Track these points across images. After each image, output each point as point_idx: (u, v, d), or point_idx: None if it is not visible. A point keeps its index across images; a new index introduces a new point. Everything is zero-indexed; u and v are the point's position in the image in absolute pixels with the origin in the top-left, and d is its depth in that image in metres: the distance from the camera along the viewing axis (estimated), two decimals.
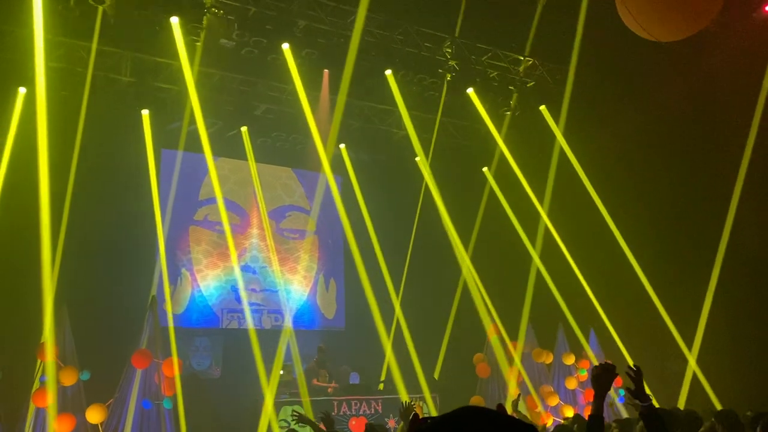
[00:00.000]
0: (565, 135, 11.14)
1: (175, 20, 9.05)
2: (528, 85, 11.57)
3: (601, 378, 3.20)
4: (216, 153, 11.75)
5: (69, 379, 8.12)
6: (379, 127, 12.34)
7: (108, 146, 10.29)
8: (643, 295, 10.23)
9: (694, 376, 9.62)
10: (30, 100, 8.70)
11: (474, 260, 11.87)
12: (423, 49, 10.66)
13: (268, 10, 9.50)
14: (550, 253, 11.13)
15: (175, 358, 8.79)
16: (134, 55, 10.05)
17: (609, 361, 3.36)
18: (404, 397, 9.54)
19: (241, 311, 11.68)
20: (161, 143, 11.10)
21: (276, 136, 12.07)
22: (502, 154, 11.66)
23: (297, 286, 12.53)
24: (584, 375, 10.92)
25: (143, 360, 8.42)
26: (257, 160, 11.98)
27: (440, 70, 10.84)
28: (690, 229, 10.13)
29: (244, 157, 11.82)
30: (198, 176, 11.68)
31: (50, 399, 7.70)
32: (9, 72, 9.17)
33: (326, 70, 10.62)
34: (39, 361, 8.08)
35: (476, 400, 10.39)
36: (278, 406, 9.61)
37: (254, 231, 12.23)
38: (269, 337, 11.00)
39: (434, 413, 10.01)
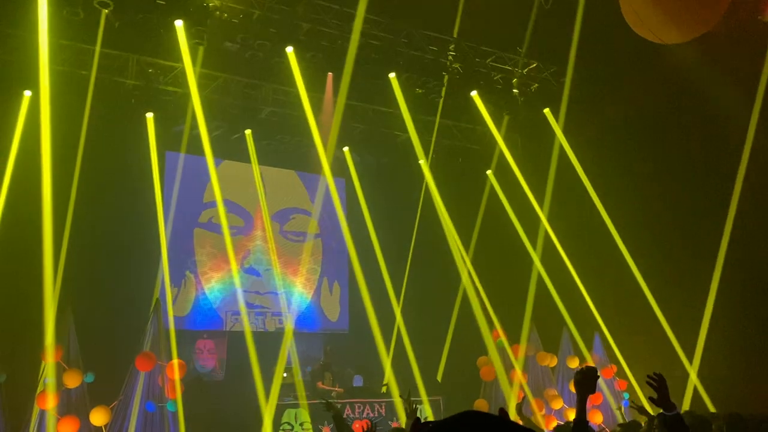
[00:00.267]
0: (567, 138, 11.13)
1: (179, 23, 9.08)
2: (532, 88, 11.57)
3: (583, 383, 3.17)
4: (220, 156, 11.80)
5: (73, 381, 8.14)
6: (383, 130, 12.35)
7: (112, 149, 10.32)
8: (646, 298, 10.20)
9: (700, 379, 9.57)
10: (35, 103, 8.73)
11: (476, 263, 11.87)
12: (427, 52, 10.67)
13: (272, 13, 9.52)
14: (552, 256, 11.11)
15: (175, 361, 8.79)
16: (139, 58, 10.08)
17: (589, 365, 3.35)
18: (396, 399, 9.54)
19: (246, 314, 11.70)
20: (165, 146, 11.14)
21: (280, 138, 12.09)
22: (504, 157, 11.64)
23: (301, 288, 12.54)
24: None
25: (147, 363, 8.42)
26: (261, 162, 12.00)
27: (444, 73, 10.85)
28: (690, 230, 10.09)
29: (248, 160, 11.84)
30: (202, 179, 11.71)
31: (50, 403, 7.71)
32: (14, 75, 9.20)
33: (330, 73, 10.64)
34: (43, 363, 8.10)
35: (480, 404, 10.37)
36: (281, 408, 9.60)
37: (258, 233, 12.25)
38: (273, 340, 11.00)
39: (430, 415, 10.00)
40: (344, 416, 9.84)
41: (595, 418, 10.15)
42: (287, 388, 10.09)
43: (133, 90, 10.29)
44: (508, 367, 10.68)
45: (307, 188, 13.03)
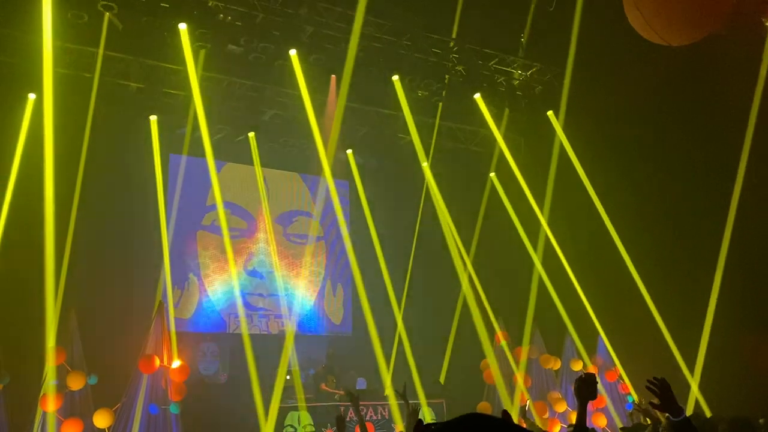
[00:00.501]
0: (569, 140, 11.13)
1: (183, 26, 9.10)
2: (535, 91, 11.57)
3: (582, 389, 3.13)
4: (224, 158, 11.84)
5: (77, 383, 8.14)
6: (387, 133, 12.36)
7: (116, 152, 10.36)
8: (646, 301, 10.18)
9: (701, 382, 9.54)
10: (39, 105, 8.75)
11: (479, 265, 11.86)
12: (430, 55, 10.68)
13: (275, 16, 9.54)
14: (553, 258, 11.10)
15: (177, 362, 8.80)
16: (143, 61, 10.11)
17: (589, 371, 3.32)
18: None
19: (249, 316, 11.70)
20: (169, 149, 11.17)
21: (283, 141, 12.11)
22: (507, 160, 11.62)
23: (304, 291, 12.54)
24: None
25: (150, 365, 8.42)
26: (265, 165, 12.01)
27: (447, 76, 10.85)
28: (691, 232, 10.07)
29: (251, 163, 11.85)
30: (205, 181, 11.71)
31: (50, 405, 7.71)
32: (19, 78, 9.23)
33: (333, 76, 10.65)
34: (46, 365, 8.10)
35: (483, 407, 10.34)
36: (284, 411, 9.60)
37: (261, 236, 12.25)
38: (277, 343, 11.00)
39: (428, 418, 9.98)
40: (347, 419, 9.85)
41: (599, 422, 10.12)
42: (289, 390, 10.08)
43: (137, 93, 10.32)
44: (510, 371, 10.66)
45: (310, 191, 13.03)
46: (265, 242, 12.26)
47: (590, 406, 11.12)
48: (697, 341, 9.53)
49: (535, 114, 11.62)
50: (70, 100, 9.43)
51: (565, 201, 11.15)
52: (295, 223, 12.77)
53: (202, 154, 10.58)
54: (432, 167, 11.79)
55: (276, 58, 9.85)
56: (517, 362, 10.67)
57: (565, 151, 11.13)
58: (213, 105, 10.63)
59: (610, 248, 10.51)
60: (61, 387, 8.03)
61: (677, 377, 9.68)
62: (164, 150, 10.80)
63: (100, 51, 9.33)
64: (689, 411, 9.19)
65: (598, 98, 10.94)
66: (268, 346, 11.10)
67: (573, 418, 10.23)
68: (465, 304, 11.68)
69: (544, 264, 11.05)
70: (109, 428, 8.18)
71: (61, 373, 8.10)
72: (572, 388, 10.62)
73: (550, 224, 11.13)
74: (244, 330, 10.67)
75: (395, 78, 10.58)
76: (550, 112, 11.42)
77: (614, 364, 10.83)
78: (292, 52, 9.80)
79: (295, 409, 9.79)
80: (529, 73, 11.48)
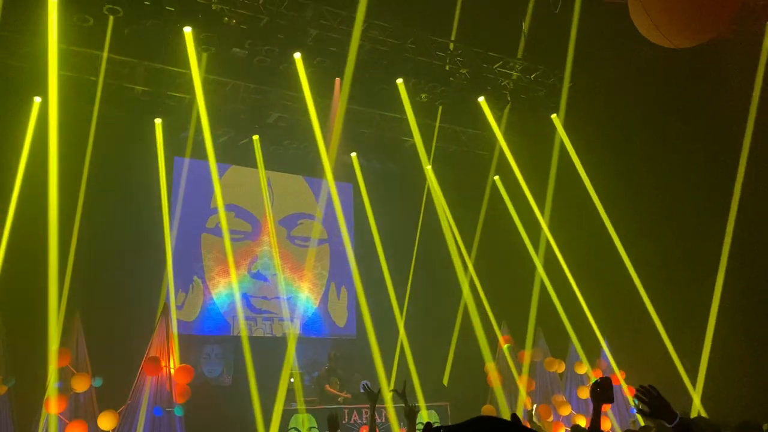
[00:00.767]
0: (572, 144, 11.14)
1: (188, 30, 9.13)
2: (540, 94, 11.58)
3: (599, 393, 3.09)
4: (228, 161, 11.87)
5: (81, 385, 8.16)
6: (391, 136, 12.37)
7: (121, 154, 10.39)
8: (650, 304, 10.18)
9: (705, 386, 9.52)
10: (45, 109, 8.78)
11: (480, 267, 11.86)
12: (435, 58, 10.70)
13: (280, 19, 9.57)
14: (555, 261, 11.09)
15: (177, 364, 8.81)
16: (148, 64, 10.15)
17: (604, 376, 3.29)
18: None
19: (253, 319, 11.71)
20: (174, 151, 11.19)
21: (288, 144, 12.13)
22: (510, 163, 11.63)
23: (308, 293, 12.55)
24: None
25: (155, 367, 8.44)
26: (269, 167, 12.03)
27: (451, 79, 10.87)
28: (693, 232, 10.09)
29: (256, 165, 11.88)
30: (210, 184, 11.72)
31: (52, 407, 7.73)
32: (25, 81, 9.27)
33: (338, 79, 10.67)
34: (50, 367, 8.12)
35: (488, 410, 10.34)
36: (288, 414, 9.59)
37: (266, 239, 12.26)
38: (281, 345, 11.01)
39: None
40: (351, 421, 9.85)
41: (604, 425, 10.10)
42: (292, 393, 10.07)
43: (142, 95, 10.36)
44: (510, 374, 10.66)
45: (314, 193, 13.04)
46: (269, 245, 12.27)
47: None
48: (699, 344, 9.52)
49: (537, 117, 11.63)
50: (75, 103, 9.48)
51: (568, 204, 11.14)
52: (300, 225, 12.78)
53: (206, 157, 10.61)
54: (435, 170, 11.81)
55: (280, 62, 9.88)
56: (520, 366, 10.67)
57: (566, 154, 11.14)
58: (217, 108, 10.66)
59: (611, 251, 10.51)
60: (66, 389, 8.05)
61: (679, 380, 9.69)
62: (169, 153, 10.83)
63: (104, 54, 9.37)
64: (693, 413, 9.18)
65: (598, 101, 10.97)
66: (273, 348, 11.11)
67: (578, 421, 10.24)
68: (472, 300, 11.69)
69: (546, 267, 11.05)
70: (113, 430, 8.19)
71: (66, 376, 8.12)
72: (578, 390, 10.65)
73: (551, 227, 11.13)
74: (243, 332, 10.68)
75: (399, 81, 10.60)
76: (554, 116, 11.43)
77: (619, 368, 10.81)
78: (297, 56, 9.82)
79: (300, 411, 9.78)
80: (532, 77, 11.49)
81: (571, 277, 10.82)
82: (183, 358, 9.56)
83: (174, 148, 11.10)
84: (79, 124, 9.38)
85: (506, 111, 11.60)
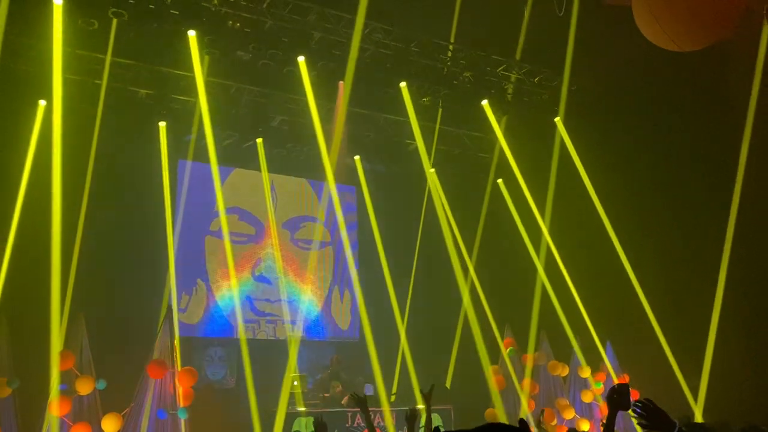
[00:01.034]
0: (574, 147, 11.15)
1: (192, 33, 9.16)
2: (543, 97, 11.59)
3: (616, 399, 3.12)
4: (232, 164, 11.90)
5: (85, 388, 8.17)
6: (394, 139, 12.39)
7: (125, 157, 10.43)
8: (651, 309, 10.17)
9: (708, 390, 9.50)
10: (50, 112, 8.81)
11: (484, 270, 11.86)
12: (438, 61, 10.72)
13: (284, 22, 9.60)
14: (557, 264, 11.09)
15: (179, 366, 8.82)
16: (152, 68, 10.18)
17: (621, 382, 3.28)
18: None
19: (257, 321, 11.72)
20: (178, 154, 11.22)
21: (291, 147, 12.14)
22: (512, 166, 11.63)
23: (311, 296, 12.55)
24: (600, 388, 10.81)
25: (158, 370, 8.44)
26: (273, 170, 12.05)
27: (455, 82, 10.88)
28: (694, 234, 10.08)
29: (259, 168, 11.89)
30: (214, 187, 11.77)
31: (54, 410, 7.74)
32: (30, 85, 9.30)
33: (341, 82, 10.69)
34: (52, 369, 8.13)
35: (491, 413, 10.32)
36: (291, 417, 9.59)
37: (270, 242, 12.26)
38: (285, 348, 11.01)
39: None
40: (355, 425, 9.85)
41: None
42: (294, 396, 10.07)
43: (146, 99, 10.39)
44: (510, 377, 10.66)
45: (318, 196, 13.06)
46: (273, 248, 12.28)
47: (598, 412, 11.09)
48: (701, 346, 9.50)
49: (539, 120, 11.63)
50: (80, 106, 9.52)
51: (567, 206, 11.14)
52: (303, 228, 12.79)
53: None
54: (438, 173, 11.81)
55: (284, 65, 9.90)
56: (522, 369, 10.66)
57: (566, 156, 11.15)
58: (221, 111, 10.69)
59: (612, 254, 10.50)
60: (70, 392, 8.06)
61: (681, 383, 9.68)
62: (173, 156, 10.85)
63: (107, 57, 9.40)
64: (699, 413, 9.17)
65: (598, 103, 10.98)
66: (277, 351, 11.12)
67: (581, 425, 10.23)
68: (471, 306, 11.69)
69: (547, 270, 11.04)
70: None
71: (70, 378, 8.13)
72: (581, 394, 10.60)
73: (552, 229, 11.12)
74: (242, 334, 10.69)
75: (403, 84, 10.61)
76: (557, 119, 11.43)
77: (622, 372, 10.78)
78: (301, 59, 9.84)
79: (303, 414, 9.78)
80: (536, 80, 11.49)
81: (569, 280, 10.81)
82: (186, 361, 9.58)
83: (178, 150, 11.13)
84: (83, 127, 9.41)
85: (509, 114, 11.61)
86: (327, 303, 12.73)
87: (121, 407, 8.35)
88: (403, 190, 12.90)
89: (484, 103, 11.22)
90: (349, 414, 9.94)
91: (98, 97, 9.60)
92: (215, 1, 9.20)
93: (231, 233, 11.72)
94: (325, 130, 10.62)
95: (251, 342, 11.47)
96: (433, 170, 11.75)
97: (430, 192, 11.79)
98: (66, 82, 8.71)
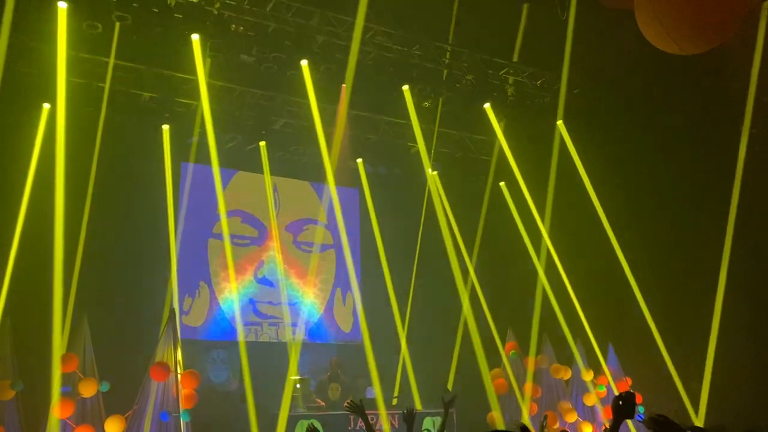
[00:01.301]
0: (575, 149, 11.17)
1: (195, 37, 9.20)
2: (545, 100, 11.60)
3: (620, 407, 3.11)
4: (235, 167, 11.93)
5: (89, 390, 8.19)
6: (396, 141, 12.41)
7: (128, 160, 10.47)
8: (650, 309, 10.17)
9: (711, 393, 9.50)
10: (54, 115, 8.84)
11: (483, 272, 11.86)
12: (441, 65, 10.75)
13: (287, 26, 9.63)
14: (557, 267, 11.10)
15: (180, 368, 8.84)
16: (155, 71, 10.22)
17: (628, 391, 3.28)
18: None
19: (259, 324, 11.73)
20: (181, 157, 11.26)
21: (294, 150, 12.19)
22: (514, 169, 11.64)
23: (313, 299, 12.57)
24: (603, 391, 10.82)
25: (162, 372, 8.46)
26: (276, 173, 12.08)
27: (457, 85, 10.91)
28: (694, 235, 10.09)
29: (263, 171, 11.92)
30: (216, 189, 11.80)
31: (57, 412, 7.76)
32: (34, 88, 9.35)
33: (344, 85, 10.71)
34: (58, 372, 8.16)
35: (493, 416, 10.32)
36: (294, 420, 9.59)
37: (272, 244, 12.29)
38: (287, 351, 11.02)
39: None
40: (357, 428, 9.85)
41: None
42: (296, 399, 10.07)
43: (150, 102, 10.43)
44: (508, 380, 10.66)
45: (320, 199, 13.08)
46: (276, 250, 12.30)
47: (600, 415, 11.07)
48: (703, 348, 9.51)
49: (541, 123, 11.65)
50: (83, 109, 9.56)
51: (568, 208, 11.16)
52: (306, 231, 12.82)
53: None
54: (440, 175, 11.83)
55: (287, 68, 9.93)
56: (525, 372, 10.66)
57: (566, 159, 11.16)
58: (224, 114, 10.72)
59: (612, 257, 10.51)
60: (73, 394, 8.08)
61: (679, 387, 9.68)
62: (176, 158, 10.88)
63: (111, 60, 9.44)
64: (701, 417, 9.18)
65: (598, 105, 11.00)
66: (279, 354, 11.13)
67: (584, 428, 10.23)
68: (471, 311, 11.70)
69: (547, 272, 11.04)
70: None
71: (73, 380, 8.16)
72: (584, 397, 10.60)
73: (552, 232, 11.14)
74: (241, 337, 10.70)
75: (405, 87, 10.64)
76: (559, 122, 11.44)
77: (624, 375, 10.79)
78: (304, 62, 9.88)
79: (306, 417, 9.78)
80: (538, 83, 11.51)
81: (568, 283, 10.81)
82: (189, 363, 9.58)
83: (181, 153, 11.17)
84: (87, 130, 9.45)
85: (511, 117, 11.62)
86: (329, 305, 12.74)
87: (124, 409, 8.36)
88: (406, 192, 12.92)
89: (486, 106, 11.24)
90: (351, 417, 9.93)
91: (102, 100, 9.66)
92: (218, 5, 9.23)
93: (234, 236, 11.76)
94: (328, 133, 10.64)
95: (254, 344, 11.51)
96: (434, 173, 11.77)
97: (431, 194, 11.81)
98: (70, 85, 8.74)
